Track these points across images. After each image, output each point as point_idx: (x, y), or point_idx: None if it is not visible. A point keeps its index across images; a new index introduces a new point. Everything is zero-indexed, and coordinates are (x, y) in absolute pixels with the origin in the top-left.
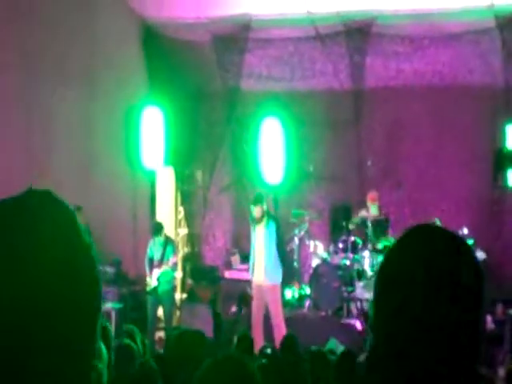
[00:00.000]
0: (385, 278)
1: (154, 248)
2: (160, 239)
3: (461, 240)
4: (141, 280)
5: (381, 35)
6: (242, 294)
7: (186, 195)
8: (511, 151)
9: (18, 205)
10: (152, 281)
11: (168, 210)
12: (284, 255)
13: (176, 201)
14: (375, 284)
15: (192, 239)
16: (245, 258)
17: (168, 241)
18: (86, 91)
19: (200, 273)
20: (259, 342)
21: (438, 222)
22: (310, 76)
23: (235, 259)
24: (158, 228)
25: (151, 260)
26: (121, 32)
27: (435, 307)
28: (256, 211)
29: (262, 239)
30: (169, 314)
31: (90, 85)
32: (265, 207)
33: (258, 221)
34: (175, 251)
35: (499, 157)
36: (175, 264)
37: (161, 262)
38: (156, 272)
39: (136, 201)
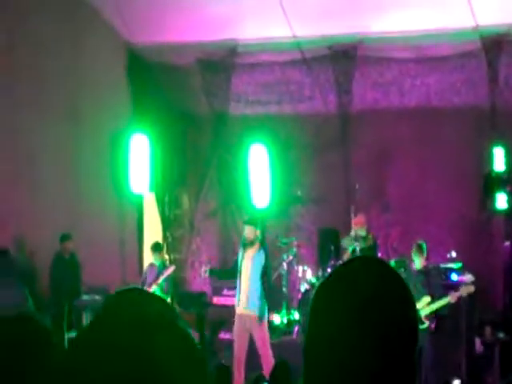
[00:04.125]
0: (315, 309)
1: (150, 271)
2: (157, 259)
3: (392, 272)
4: None
5: (367, 58)
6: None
7: (173, 220)
8: (499, 174)
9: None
10: None
11: (155, 236)
12: (268, 286)
13: (163, 226)
14: (308, 313)
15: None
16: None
17: (164, 264)
18: (71, 117)
19: (187, 298)
20: (240, 376)
21: (424, 244)
22: (296, 100)
23: (204, 271)
24: (158, 245)
25: (142, 284)
26: (106, 57)
27: (362, 342)
28: (248, 231)
29: (249, 266)
30: None
31: (75, 110)
32: (258, 231)
33: (249, 243)
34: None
35: (487, 180)
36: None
37: (154, 282)
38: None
39: (123, 226)
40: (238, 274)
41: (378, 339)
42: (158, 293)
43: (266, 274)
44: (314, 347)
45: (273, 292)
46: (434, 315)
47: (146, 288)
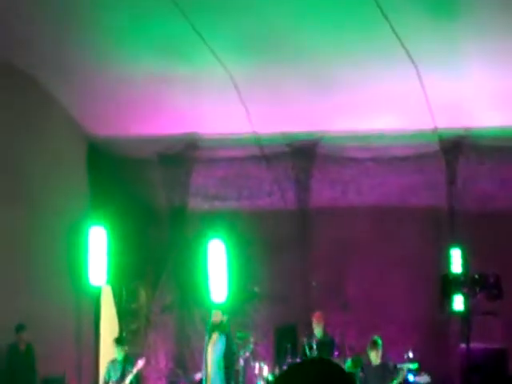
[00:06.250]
0: None
1: (113, 368)
2: (121, 354)
3: (341, 371)
4: None
5: (326, 156)
6: None
7: (129, 313)
8: (456, 276)
9: None
10: None
11: (111, 328)
12: (230, 372)
13: (119, 319)
14: None
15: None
16: None
17: (127, 357)
18: (28, 209)
19: None
20: None
21: (379, 339)
22: (255, 196)
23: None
24: (121, 339)
25: (107, 383)
26: (65, 146)
27: None
28: (215, 315)
29: (211, 351)
30: None
31: (32, 202)
32: (225, 317)
33: (215, 327)
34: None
35: (444, 281)
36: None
37: (121, 381)
38: None
39: (80, 318)
40: (204, 361)
41: None
42: None
43: (229, 359)
44: None
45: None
46: None
47: None
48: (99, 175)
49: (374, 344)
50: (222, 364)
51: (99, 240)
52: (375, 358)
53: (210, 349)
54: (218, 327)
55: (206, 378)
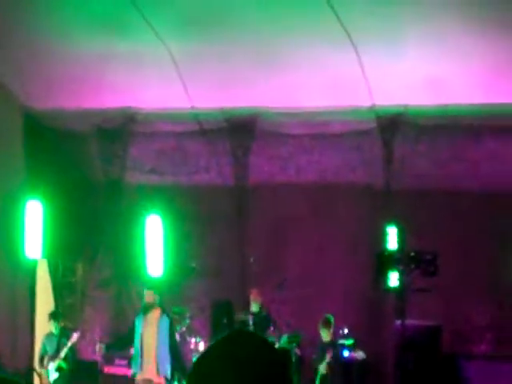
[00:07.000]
0: (195, 378)
1: (48, 342)
2: (57, 328)
3: (263, 342)
4: (20, 374)
5: (264, 133)
6: None
7: (65, 288)
8: (392, 253)
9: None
10: (50, 375)
11: (47, 303)
12: (177, 351)
13: (55, 293)
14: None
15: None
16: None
17: (63, 331)
18: None
19: (78, 367)
20: None
21: (331, 318)
22: (193, 171)
23: (99, 348)
24: (57, 314)
25: (42, 357)
26: (2, 122)
27: None
28: (147, 295)
29: (153, 332)
30: None
31: None
32: (157, 296)
33: (149, 307)
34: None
35: (380, 258)
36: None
37: (56, 354)
38: (52, 365)
39: (15, 292)
40: (138, 341)
41: None
42: (62, 364)
43: (173, 339)
44: None
45: (179, 357)
46: None
47: (47, 361)
48: (36, 148)
49: (327, 322)
50: (168, 344)
51: (35, 213)
52: (327, 335)
53: (147, 329)
54: (151, 307)
55: (142, 360)
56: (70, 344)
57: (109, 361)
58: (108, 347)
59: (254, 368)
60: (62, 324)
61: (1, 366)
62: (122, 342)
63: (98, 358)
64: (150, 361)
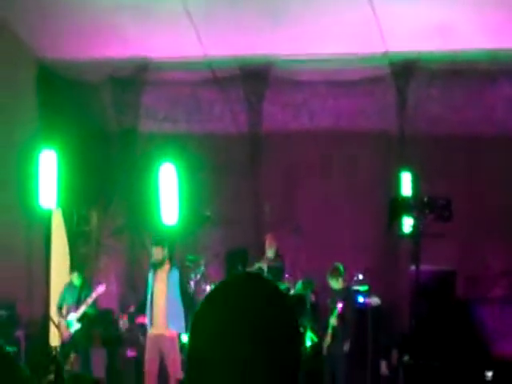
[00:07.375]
0: (197, 317)
1: (69, 292)
2: (79, 280)
3: (270, 285)
4: (35, 323)
5: (278, 80)
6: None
7: (80, 237)
8: (406, 199)
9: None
10: (72, 326)
11: (62, 252)
12: (190, 303)
13: (70, 243)
14: (190, 327)
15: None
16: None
17: (85, 283)
18: None
19: (95, 316)
20: None
21: (340, 266)
22: (206, 119)
23: (123, 323)
24: (79, 264)
25: (61, 307)
26: (15, 72)
27: (240, 341)
28: (156, 252)
29: (163, 287)
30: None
31: None
32: (166, 251)
33: (159, 264)
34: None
35: (394, 204)
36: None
37: (77, 305)
38: (73, 316)
39: (30, 242)
40: (150, 296)
41: (259, 344)
42: (90, 311)
43: (185, 292)
44: (196, 352)
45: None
46: None
47: (66, 312)
48: (49, 98)
49: (335, 270)
50: (179, 298)
51: (50, 163)
52: (336, 283)
53: (157, 285)
54: (161, 264)
55: (153, 314)
56: (95, 295)
57: (125, 310)
58: (132, 316)
59: (262, 313)
60: (84, 276)
61: (16, 316)
62: (142, 308)
63: (114, 306)
64: (161, 316)
